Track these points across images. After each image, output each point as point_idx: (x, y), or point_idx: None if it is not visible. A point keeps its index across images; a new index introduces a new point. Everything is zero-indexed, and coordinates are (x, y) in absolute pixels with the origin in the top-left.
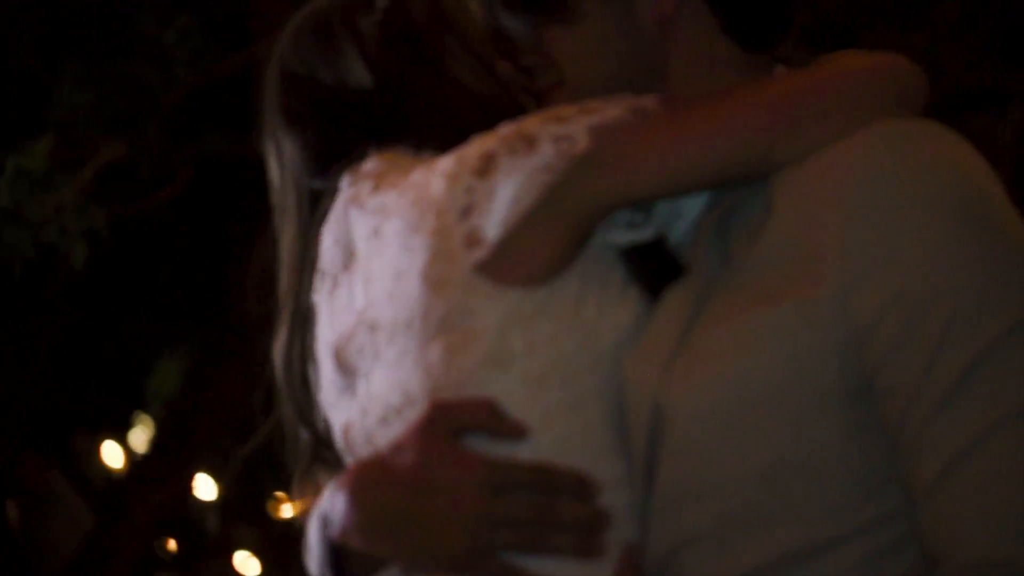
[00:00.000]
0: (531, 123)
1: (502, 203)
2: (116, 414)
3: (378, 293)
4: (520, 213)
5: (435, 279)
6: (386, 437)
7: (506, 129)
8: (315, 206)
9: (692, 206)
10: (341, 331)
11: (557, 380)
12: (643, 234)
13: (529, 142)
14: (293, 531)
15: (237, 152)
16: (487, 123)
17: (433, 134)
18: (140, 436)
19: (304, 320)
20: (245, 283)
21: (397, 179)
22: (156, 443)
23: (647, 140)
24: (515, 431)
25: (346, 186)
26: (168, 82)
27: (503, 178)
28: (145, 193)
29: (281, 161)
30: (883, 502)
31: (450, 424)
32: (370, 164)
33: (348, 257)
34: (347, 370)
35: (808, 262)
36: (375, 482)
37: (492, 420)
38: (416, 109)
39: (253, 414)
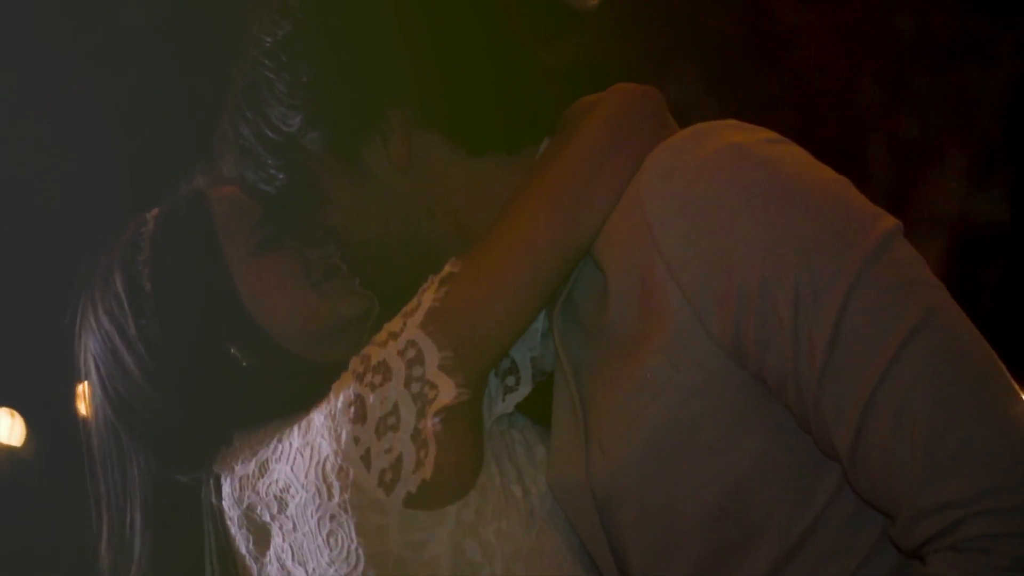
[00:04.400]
0: (373, 352)
1: (397, 439)
2: None
3: (318, 564)
4: (417, 437)
5: (372, 531)
6: None
7: (356, 366)
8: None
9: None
10: None
11: (522, 569)
12: (523, 392)
13: (382, 370)
14: None
15: None
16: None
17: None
18: None
19: None
20: None
21: (276, 452)
22: None
23: (471, 308)
24: None
25: (225, 473)
26: None
27: (382, 414)
28: None
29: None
30: (832, 473)
31: None
32: (237, 443)
33: (261, 538)
34: None
35: (653, 307)
36: None
37: None
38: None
39: None
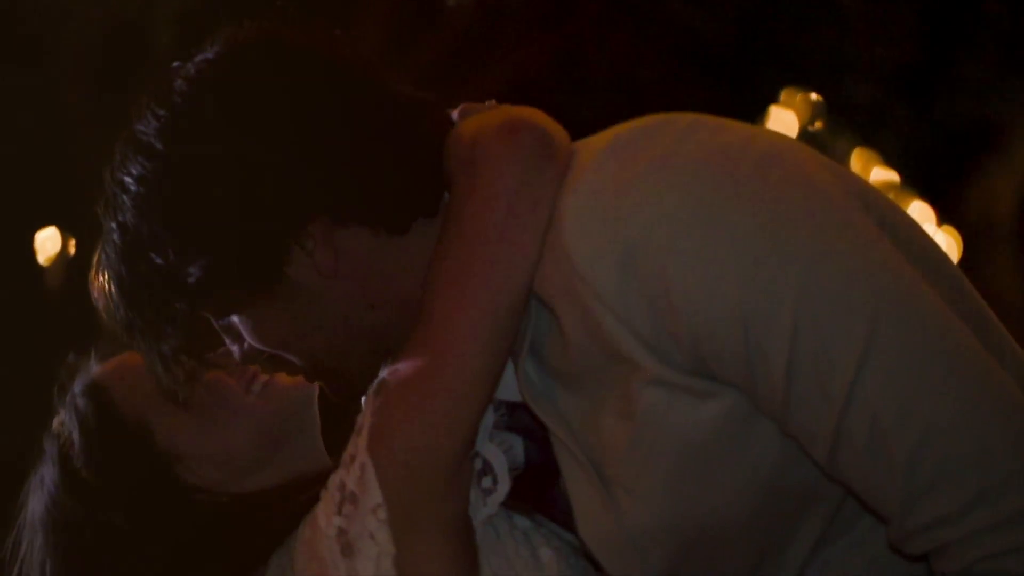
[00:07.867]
0: (344, 476)
1: (385, 569)
2: None
3: None
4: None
5: None
6: None
7: (334, 491)
8: None
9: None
10: None
11: None
12: (502, 491)
13: (352, 499)
14: None
15: None
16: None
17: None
18: None
19: None
20: None
21: None
22: None
23: (407, 417)
24: None
25: None
26: None
27: (362, 538)
28: None
29: None
30: None
31: None
32: None
33: None
34: None
35: (616, 350)
36: None
37: None
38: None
39: None
